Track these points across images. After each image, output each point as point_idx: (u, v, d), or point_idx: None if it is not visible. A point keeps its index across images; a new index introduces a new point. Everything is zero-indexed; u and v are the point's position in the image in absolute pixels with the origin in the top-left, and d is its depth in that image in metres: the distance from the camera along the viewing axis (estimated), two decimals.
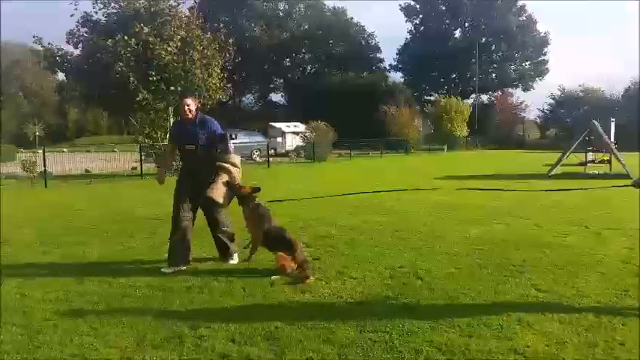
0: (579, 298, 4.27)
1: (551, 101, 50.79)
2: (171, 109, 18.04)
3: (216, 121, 5.42)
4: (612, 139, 17.64)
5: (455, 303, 4.16)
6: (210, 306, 4.11)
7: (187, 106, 5.20)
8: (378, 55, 61.86)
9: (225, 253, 5.48)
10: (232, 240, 5.51)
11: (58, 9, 21.24)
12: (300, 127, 32.51)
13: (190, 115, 5.24)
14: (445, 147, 36.94)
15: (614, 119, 19.44)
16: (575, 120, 41.92)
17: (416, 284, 4.71)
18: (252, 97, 62.30)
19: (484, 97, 54.97)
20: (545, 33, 55.12)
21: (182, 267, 5.18)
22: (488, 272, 5.06)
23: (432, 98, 49.97)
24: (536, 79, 56.22)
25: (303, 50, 60.20)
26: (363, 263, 5.43)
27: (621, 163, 14.90)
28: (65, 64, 18.19)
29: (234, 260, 5.48)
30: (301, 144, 29.58)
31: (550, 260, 5.52)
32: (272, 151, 27.47)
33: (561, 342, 3.40)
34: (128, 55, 16.55)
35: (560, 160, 15.89)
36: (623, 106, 43.04)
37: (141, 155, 17.46)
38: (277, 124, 33.12)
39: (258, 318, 3.83)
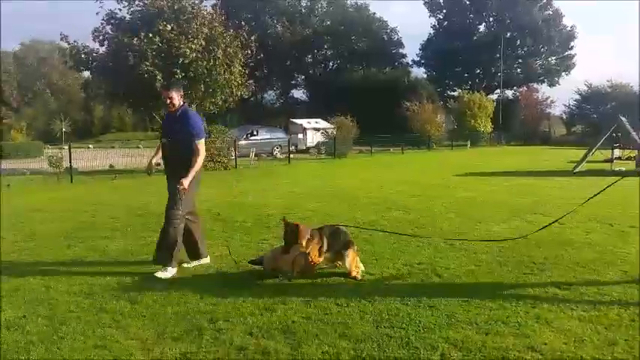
0: (600, 296, 4.20)
1: (578, 97, 49.57)
2: (193, 106, 18.25)
3: (199, 118, 5.14)
4: None
5: (473, 300, 4.12)
6: (228, 300, 4.16)
7: (169, 99, 4.94)
8: (401, 50, 61.26)
9: (195, 253, 5.26)
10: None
11: (84, 7, 21.66)
12: (322, 123, 32.51)
13: (172, 109, 5.00)
14: (468, 143, 36.44)
15: None
16: (602, 116, 40.90)
17: (434, 281, 4.70)
18: (273, 94, 62.46)
19: (509, 93, 53.95)
20: (571, 27, 53.87)
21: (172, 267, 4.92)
22: (508, 269, 5.02)
23: (455, 94, 49.26)
24: (562, 74, 54.92)
25: (325, 46, 60.01)
26: (381, 260, 5.43)
27: None
28: (90, 62, 18.53)
29: (206, 259, 5.32)
30: (322, 140, 29.58)
31: (572, 258, 5.44)
32: (293, 147, 27.53)
33: (580, 339, 3.36)
34: (153, 52, 16.77)
35: (585, 156, 15.55)
36: None
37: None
38: (298, 121, 33.16)
39: (275, 312, 3.88)
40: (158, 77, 16.67)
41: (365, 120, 32.49)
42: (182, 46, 16.85)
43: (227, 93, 18.43)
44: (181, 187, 4.78)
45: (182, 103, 5.05)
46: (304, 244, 4.61)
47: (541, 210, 8.53)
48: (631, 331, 3.51)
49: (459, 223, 7.47)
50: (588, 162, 15.65)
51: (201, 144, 4.94)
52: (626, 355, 3.15)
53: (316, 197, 10.52)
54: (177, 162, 4.93)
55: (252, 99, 50.62)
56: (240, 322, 3.68)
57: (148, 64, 16.58)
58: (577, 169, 14.90)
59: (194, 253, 5.26)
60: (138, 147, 29.68)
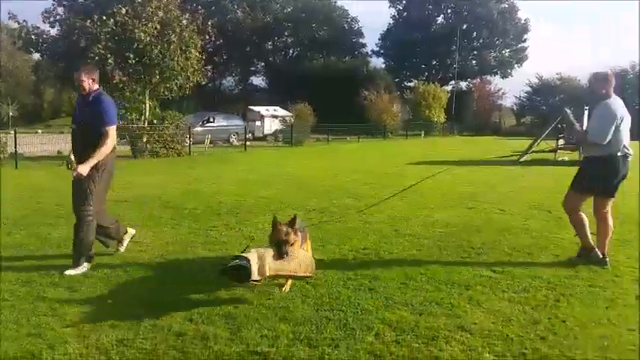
0: (531, 279, 4.44)
1: (528, 89, 51.44)
2: (147, 91, 17.80)
3: (112, 104, 4.72)
4: (585, 126, 17.97)
5: (411, 283, 4.28)
6: (169, 287, 4.15)
7: (81, 81, 4.60)
8: (361, 40, 61.56)
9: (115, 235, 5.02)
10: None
11: None
12: (280, 111, 32.38)
13: (83, 92, 4.65)
14: (422, 133, 37.22)
15: (587, 107, 19.79)
16: (551, 108, 42.61)
17: (377, 265, 4.83)
18: (232, 80, 61.56)
19: (463, 84, 55.35)
20: (525, 20, 55.59)
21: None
22: (447, 254, 5.22)
23: (411, 84, 50.09)
24: (515, 66, 56.78)
25: (286, 34, 59.54)
26: (328, 245, 5.53)
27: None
28: (41, 44, 17.71)
29: (131, 230, 5.20)
30: (280, 128, 29.48)
31: (509, 243, 5.71)
32: (250, 134, 27.32)
33: (508, 319, 3.56)
34: (107, 36, 16.23)
35: (530, 147, 16.20)
36: None
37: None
38: (256, 108, 32.87)
39: (218, 300, 3.91)
40: (109, 61, 16.16)
41: (323, 108, 32.60)
42: (136, 30, 16.36)
43: (183, 78, 18.06)
44: (75, 172, 4.45)
45: (96, 87, 4.70)
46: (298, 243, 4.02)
47: (483, 198, 8.87)
48: (554, 310, 3.75)
49: (405, 210, 7.67)
50: (534, 152, 16.31)
51: (111, 130, 4.59)
52: (547, 332, 3.36)
53: (270, 184, 10.53)
54: (88, 151, 4.52)
55: (209, 85, 49.74)
56: (181, 309, 3.68)
57: (100, 47, 16.03)
58: (522, 159, 15.51)
59: (114, 237, 4.99)
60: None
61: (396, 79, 52.75)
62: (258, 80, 63.08)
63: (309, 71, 48.46)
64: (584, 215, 5.03)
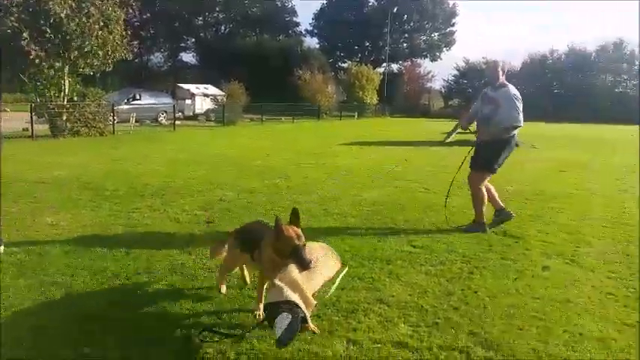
0: (448, 254, 4.68)
1: (456, 72, 53.38)
2: (66, 67, 16.70)
3: None
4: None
5: None
6: (86, 272, 4.00)
7: None
8: (295, 18, 61.15)
9: None
10: None
11: None
12: (211, 89, 31.57)
13: None
14: (356, 114, 37.76)
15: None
16: (476, 90, 44.43)
17: None
18: (161, 56, 59.17)
19: (394, 67, 56.55)
20: (453, 4, 57.40)
21: None
22: (373, 231, 5.39)
23: (345, 65, 50.50)
24: (444, 49, 58.73)
25: (217, 9, 57.85)
26: None
27: None
28: None
29: None
30: (211, 107, 28.79)
31: (430, 220, 5.98)
32: (180, 113, 26.50)
33: (424, 291, 3.75)
34: (20, 8, 14.99)
35: (455, 128, 16.85)
36: (521, 78, 46.34)
37: (32, 115, 16.08)
38: (186, 86, 31.83)
39: (138, 282, 3.81)
40: (24, 35, 14.97)
41: (257, 88, 32.22)
42: (50, 1, 15.23)
43: (104, 54, 17.07)
44: None
45: None
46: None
47: (410, 177, 9.18)
48: (467, 282, 3.98)
49: (335, 190, 7.79)
50: (459, 133, 16.99)
51: None
52: (459, 303, 3.57)
53: (200, 165, 10.30)
54: None
55: (136, 61, 47.55)
56: (95, 294, 3.56)
57: (12, 19, 14.81)
58: (447, 140, 16.13)
59: None
60: (5, 110, 26.55)
61: (330, 60, 53.00)
62: (188, 57, 61.08)
63: (241, 49, 47.55)
64: (484, 190, 5.58)
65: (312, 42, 57.94)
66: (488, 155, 5.49)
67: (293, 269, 2.79)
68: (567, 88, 47.15)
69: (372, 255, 4.54)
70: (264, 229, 3.30)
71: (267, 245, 2.99)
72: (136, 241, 4.77)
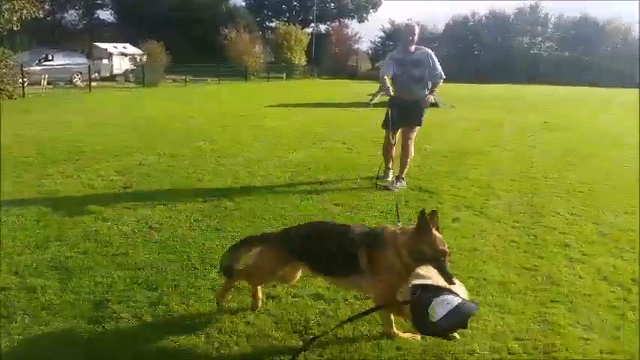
0: (368, 210, 4.84)
1: (382, 34, 53.85)
2: None
3: None
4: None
5: (259, 221, 4.40)
6: None
7: None
8: None
9: None
10: None
11: None
12: (130, 48, 29.82)
13: None
14: (284, 75, 37.32)
15: (429, 47, 21.35)
16: None
17: (228, 207, 4.85)
18: (75, 14, 54.64)
19: (322, 27, 56.02)
20: None
21: None
22: (283, 191, 5.44)
23: (273, 25, 49.39)
24: (371, 10, 58.74)
25: None
26: (176, 190, 5.40)
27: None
28: None
29: None
30: (130, 67, 27.28)
31: (352, 178, 6.12)
32: (96, 74, 24.91)
33: None
34: None
35: (380, 90, 17.14)
36: (444, 40, 47.66)
37: None
38: (103, 45, 29.81)
39: (49, 249, 3.63)
40: None
41: (180, 47, 30.81)
42: None
43: (11, 11, 15.51)
44: None
45: None
46: None
47: (335, 138, 9.29)
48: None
49: (261, 152, 7.74)
50: (383, 94, 17.28)
51: None
52: None
53: (118, 128, 9.82)
54: None
55: (48, 19, 43.71)
56: (5, 263, 3.37)
57: None
58: (373, 101, 16.42)
59: None
60: None
61: (257, 19, 51.49)
62: (105, 14, 56.85)
63: (162, 5, 44.92)
64: (394, 149, 5.96)
65: (237, 0, 56.01)
66: (419, 112, 5.79)
67: (432, 276, 2.25)
68: (487, 50, 49.15)
69: (294, 214, 4.60)
70: (344, 229, 2.69)
71: (393, 246, 2.45)
72: (46, 209, 4.51)
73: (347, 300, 3.00)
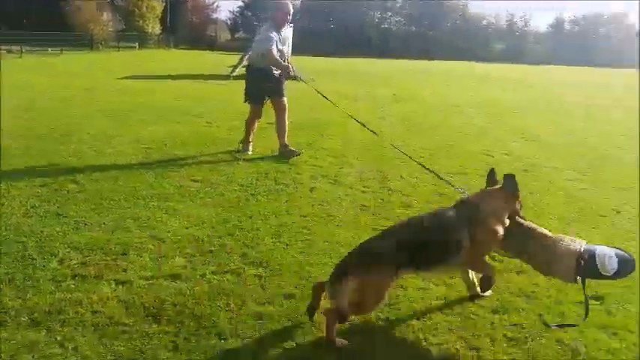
0: (227, 184, 4.81)
1: (241, 4, 52.80)
2: None
3: None
4: (290, 43, 19.51)
5: (106, 202, 4.12)
6: None
7: None
8: None
9: None
10: None
11: None
12: None
13: None
14: (137, 45, 34.85)
15: (292, 25, 21.48)
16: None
17: (71, 189, 4.45)
18: None
19: None
20: None
21: None
22: (135, 169, 5.17)
23: None
24: None
25: None
26: (6, 174, 4.82)
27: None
28: None
29: None
30: None
31: (211, 153, 6.02)
32: None
33: (201, 222, 3.79)
34: None
35: (240, 61, 16.89)
36: (302, 13, 48.17)
37: None
38: None
39: None
40: None
41: (15, 14, 26.99)
42: None
43: None
44: None
45: None
46: None
47: (193, 112, 9.00)
48: (244, 208, 4.17)
49: (110, 128, 7.20)
50: (244, 66, 17.03)
51: None
52: (234, 229, 3.71)
53: None
54: None
55: None
56: None
57: None
58: (234, 73, 16.13)
59: None
60: None
61: None
62: None
63: None
64: (257, 122, 6.13)
65: None
66: (280, 83, 6.01)
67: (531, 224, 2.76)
68: (341, 24, 50.84)
69: (149, 193, 4.39)
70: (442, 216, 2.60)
71: (493, 213, 2.59)
72: None
73: (204, 276, 2.97)
